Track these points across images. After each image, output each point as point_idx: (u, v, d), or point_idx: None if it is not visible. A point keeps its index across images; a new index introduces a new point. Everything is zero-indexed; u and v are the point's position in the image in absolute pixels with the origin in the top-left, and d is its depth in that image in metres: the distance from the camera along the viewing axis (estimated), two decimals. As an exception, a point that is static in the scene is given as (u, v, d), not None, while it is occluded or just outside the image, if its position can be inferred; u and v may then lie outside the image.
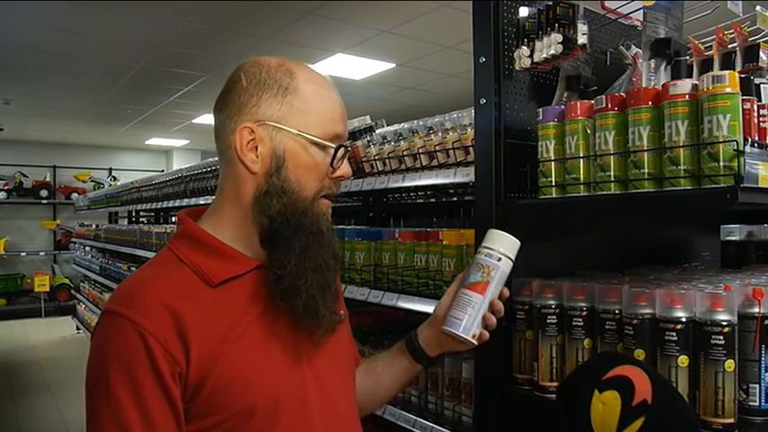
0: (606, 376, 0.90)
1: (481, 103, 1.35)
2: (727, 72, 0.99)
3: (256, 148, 0.91)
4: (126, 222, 7.46)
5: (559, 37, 1.23)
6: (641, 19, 1.28)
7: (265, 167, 0.91)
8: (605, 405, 0.87)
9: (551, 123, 1.26)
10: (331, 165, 0.94)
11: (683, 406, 0.91)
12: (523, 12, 1.33)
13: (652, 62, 1.22)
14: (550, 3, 1.26)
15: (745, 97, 1.00)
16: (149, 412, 0.79)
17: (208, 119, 8.24)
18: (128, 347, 0.80)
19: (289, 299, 0.89)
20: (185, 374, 0.81)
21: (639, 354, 1.08)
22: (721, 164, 0.97)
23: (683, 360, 1.04)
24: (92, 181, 10.40)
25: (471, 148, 1.66)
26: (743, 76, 1.02)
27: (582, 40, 1.24)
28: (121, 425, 0.78)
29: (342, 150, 0.95)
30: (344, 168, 0.96)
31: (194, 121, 8.42)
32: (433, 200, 2.68)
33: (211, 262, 0.90)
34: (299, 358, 0.93)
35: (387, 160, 1.98)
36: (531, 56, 1.29)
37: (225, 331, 0.86)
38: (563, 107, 1.25)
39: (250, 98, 0.92)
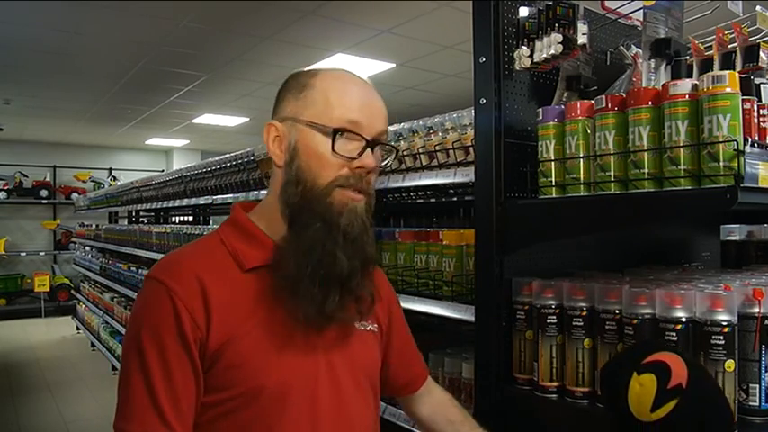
0: (645, 360, 0.93)
1: (481, 103, 1.35)
2: (727, 72, 0.99)
3: (281, 143, 0.98)
4: (126, 222, 7.45)
5: (559, 37, 1.23)
6: (641, 19, 1.28)
7: (285, 160, 0.96)
8: (642, 386, 0.91)
9: (551, 123, 1.26)
10: (333, 150, 0.92)
11: (716, 393, 0.94)
12: (523, 12, 1.33)
13: (652, 62, 1.22)
14: (550, 3, 1.26)
15: (745, 97, 1.00)
16: (171, 371, 0.86)
17: (208, 119, 8.24)
18: (159, 309, 0.88)
19: (276, 277, 0.92)
20: (205, 343, 0.88)
21: (639, 354, 1.08)
22: (721, 164, 0.97)
23: (683, 360, 1.04)
24: (92, 181, 10.38)
25: (471, 148, 1.65)
26: (743, 76, 1.02)
27: (582, 40, 1.24)
28: (146, 376, 0.86)
29: (352, 139, 0.93)
30: (365, 160, 0.94)
31: (194, 121, 8.41)
32: (433, 200, 2.68)
33: (247, 247, 0.97)
34: (314, 350, 0.95)
35: (387, 160, 1.98)
36: (531, 56, 1.29)
37: (245, 315, 0.91)
38: (563, 107, 1.25)
39: (280, 101, 1.01)
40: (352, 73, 1.00)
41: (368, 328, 1.06)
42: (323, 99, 0.95)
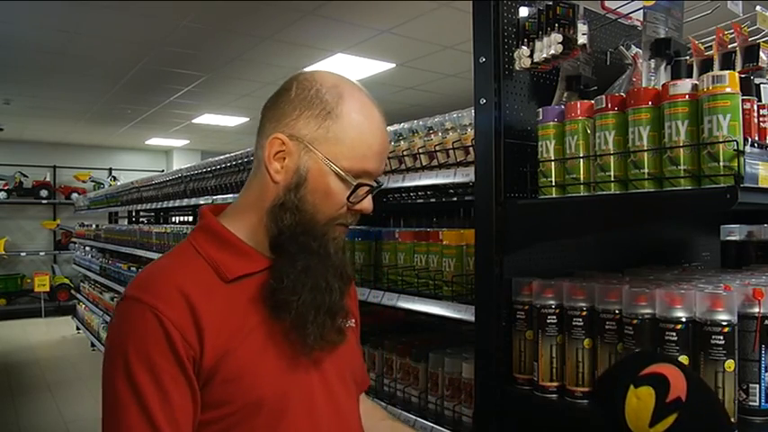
0: (643, 372, 0.91)
1: (481, 103, 1.35)
2: (727, 72, 0.99)
3: (284, 159, 0.92)
4: (126, 222, 7.45)
5: (559, 37, 1.23)
6: (641, 19, 1.27)
7: (286, 181, 0.92)
8: (640, 400, 0.88)
9: (551, 123, 1.26)
10: (348, 199, 0.94)
11: (716, 407, 0.92)
12: (523, 12, 1.33)
13: (652, 62, 1.22)
14: (550, 3, 1.26)
15: (745, 97, 1.00)
16: (168, 394, 0.82)
17: (208, 119, 8.24)
18: (147, 331, 0.82)
19: (279, 311, 0.90)
20: (199, 361, 0.84)
21: (639, 354, 1.08)
22: (721, 164, 0.97)
23: (683, 360, 1.04)
24: (92, 181, 10.38)
25: (471, 148, 1.65)
26: (743, 76, 1.02)
27: (582, 40, 1.24)
28: (143, 406, 0.81)
29: (364, 189, 0.95)
30: (365, 204, 0.96)
31: (194, 121, 8.41)
32: (433, 200, 2.68)
33: (227, 257, 0.93)
34: (307, 361, 0.94)
35: (387, 160, 1.98)
36: (531, 56, 1.29)
37: (236, 327, 0.88)
38: (563, 107, 1.25)
39: (293, 111, 0.93)
40: (372, 101, 0.96)
41: (347, 325, 1.05)
42: (348, 141, 0.91)
